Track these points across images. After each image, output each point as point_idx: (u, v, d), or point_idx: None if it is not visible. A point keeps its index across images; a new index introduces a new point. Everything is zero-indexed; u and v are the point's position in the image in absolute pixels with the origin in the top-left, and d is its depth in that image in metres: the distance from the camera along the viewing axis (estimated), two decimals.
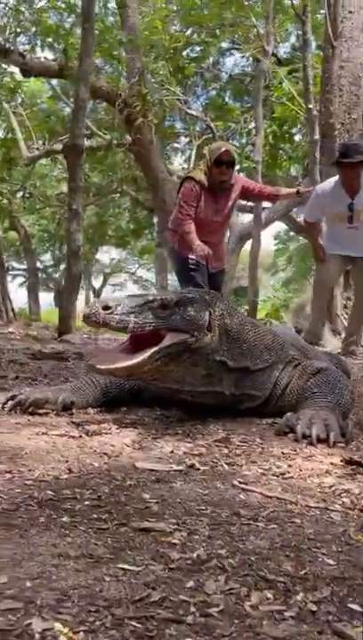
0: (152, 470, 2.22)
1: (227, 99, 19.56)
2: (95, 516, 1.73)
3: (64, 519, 1.69)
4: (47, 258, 31.21)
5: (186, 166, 19.57)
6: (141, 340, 2.93)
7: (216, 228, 6.28)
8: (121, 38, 12.65)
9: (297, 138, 15.68)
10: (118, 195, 21.16)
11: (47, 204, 20.88)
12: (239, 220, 16.12)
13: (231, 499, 1.95)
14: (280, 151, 16.58)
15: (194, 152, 16.36)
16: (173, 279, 27.66)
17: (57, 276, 30.24)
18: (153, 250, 24.45)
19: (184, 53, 17.10)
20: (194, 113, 15.41)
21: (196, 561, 1.46)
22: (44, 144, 17.14)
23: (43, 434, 2.65)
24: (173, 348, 2.87)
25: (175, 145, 20.18)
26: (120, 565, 1.41)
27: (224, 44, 18.72)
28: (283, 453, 2.53)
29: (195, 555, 1.48)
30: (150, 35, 14.83)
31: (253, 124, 16.71)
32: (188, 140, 19.50)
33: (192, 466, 2.30)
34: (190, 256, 6.12)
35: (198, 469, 2.27)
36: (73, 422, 2.87)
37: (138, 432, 2.79)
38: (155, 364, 2.84)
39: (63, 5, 14.73)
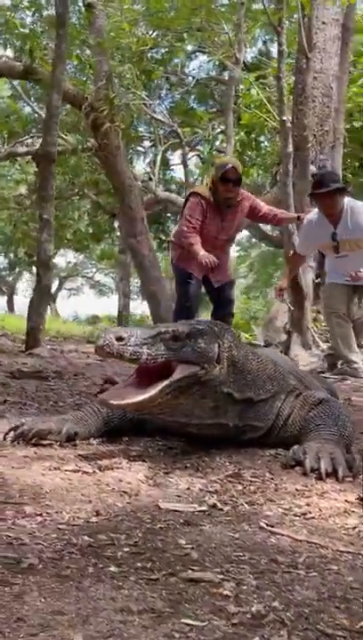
0: (176, 511, 2.29)
1: (191, 103, 19.73)
2: (140, 565, 1.80)
3: (111, 569, 1.75)
4: (1, 261, 30.99)
5: (149, 170, 19.68)
6: (149, 371, 3.00)
7: (220, 244, 6.36)
8: (88, 41, 12.67)
9: (265, 146, 15.84)
10: (78, 197, 21.14)
11: (5, 206, 20.75)
12: None
13: (263, 543, 2.04)
14: (247, 158, 16.77)
15: (159, 157, 16.45)
16: (135, 286, 27.68)
17: (10, 279, 30.01)
18: (114, 254, 24.47)
19: (149, 55, 17.20)
20: (160, 118, 15.47)
21: (255, 615, 1.54)
22: (3, 144, 17.06)
23: (55, 469, 2.70)
24: (183, 382, 2.95)
25: (138, 148, 20.25)
26: (184, 621, 1.49)
27: (189, 47, 18.89)
28: (297, 490, 2.63)
29: (253, 609, 1.56)
30: (116, 37, 14.87)
31: (219, 129, 16.92)
32: (151, 143, 19.63)
33: (214, 506, 2.38)
34: (189, 270, 6.19)
35: (221, 509, 2.35)
36: (81, 455, 2.92)
37: (148, 466, 2.86)
38: (165, 398, 2.91)
39: (27, 4, 14.69)
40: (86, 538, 1.96)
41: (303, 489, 2.65)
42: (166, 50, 17.73)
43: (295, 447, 3.04)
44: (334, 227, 6.59)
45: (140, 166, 20.90)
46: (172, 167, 22.02)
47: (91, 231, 22.92)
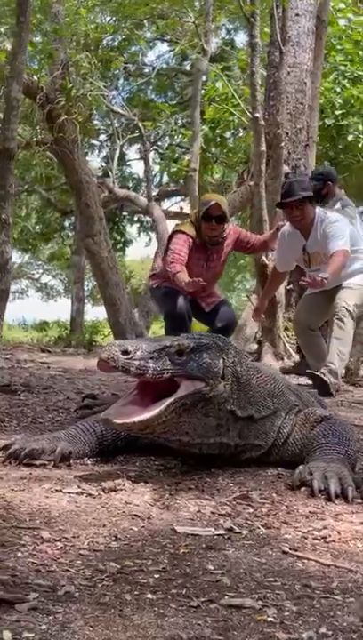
0: (195, 535, 2.38)
1: (150, 94, 19.85)
2: (175, 591, 1.88)
3: (148, 596, 1.83)
4: None
5: (103, 165, 19.72)
6: (150, 387, 3.09)
7: (206, 280, 6.20)
8: (45, 27, 12.69)
9: (231, 142, 16.01)
10: (26, 193, 21.08)
11: None
12: (169, 228, 16.31)
13: (291, 568, 2.14)
14: (210, 155, 16.93)
15: (118, 152, 16.52)
16: (88, 290, 27.63)
17: None
18: (64, 255, 24.42)
19: (105, 43, 17.29)
20: (120, 111, 15.55)
21: None
22: None
23: (57, 491, 2.76)
24: (188, 399, 3.04)
25: (92, 142, 20.27)
26: None
27: (149, 34, 19.00)
28: (310, 512, 2.74)
29: (304, 635, 1.66)
30: (73, 22, 14.91)
31: (181, 123, 17.04)
32: (106, 137, 19.68)
33: (231, 529, 2.48)
34: (176, 288, 6.12)
35: (239, 533, 2.45)
36: (80, 477, 2.99)
37: (152, 488, 2.94)
38: (170, 416, 3.00)
39: None
40: (113, 564, 2.03)
41: (316, 510, 2.76)
42: (124, 37, 17.83)
43: (301, 467, 3.15)
44: (305, 238, 6.59)
45: (94, 161, 20.89)
46: (128, 163, 22.13)
47: (39, 230, 22.84)
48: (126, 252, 25.48)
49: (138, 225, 23.72)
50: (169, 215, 18.11)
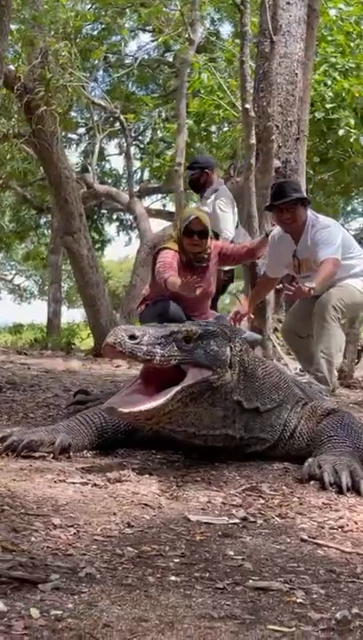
0: (209, 524, 2.41)
1: (131, 86, 19.89)
2: (198, 575, 1.91)
3: (172, 578, 1.86)
4: None
5: (81, 160, 19.72)
6: (155, 376, 3.12)
7: (194, 303, 5.98)
8: (23, 14, 12.68)
9: (216, 136, 16.07)
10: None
11: None
12: (152, 226, 16.38)
13: (312, 554, 2.18)
14: (194, 150, 16.96)
15: (98, 146, 16.53)
16: (64, 291, 27.58)
17: None
18: (40, 255, 24.37)
19: (84, 31, 17.30)
20: (101, 102, 15.57)
21: (340, 621, 1.66)
22: None
23: (60, 481, 2.78)
24: (195, 387, 3.08)
25: (70, 136, 20.27)
26: (271, 627, 1.60)
27: (130, 23, 19.05)
28: (324, 504, 2.77)
29: (337, 615, 1.68)
30: (51, 9, 14.90)
31: (164, 116, 17.09)
32: (85, 131, 19.68)
33: (245, 519, 2.51)
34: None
35: (254, 522, 2.49)
36: (83, 469, 3.01)
37: (157, 479, 2.96)
38: (176, 405, 3.03)
39: None
40: (130, 549, 2.06)
41: (329, 502, 2.80)
42: (104, 27, 17.86)
43: (310, 460, 3.18)
44: (295, 243, 6.39)
45: (72, 156, 20.88)
46: (107, 158, 22.15)
47: (13, 228, 22.79)
48: (104, 253, 25.45)
49: (117, 224, 23.75)
50: (151, 213, 18.14)
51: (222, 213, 8.26)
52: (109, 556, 1.99)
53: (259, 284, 7.51)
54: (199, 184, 8.26)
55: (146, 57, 19.14)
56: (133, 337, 2.97)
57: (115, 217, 23.13)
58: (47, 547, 2.01)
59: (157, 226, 17.01)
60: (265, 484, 3.06)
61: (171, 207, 21.43)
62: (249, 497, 2.84)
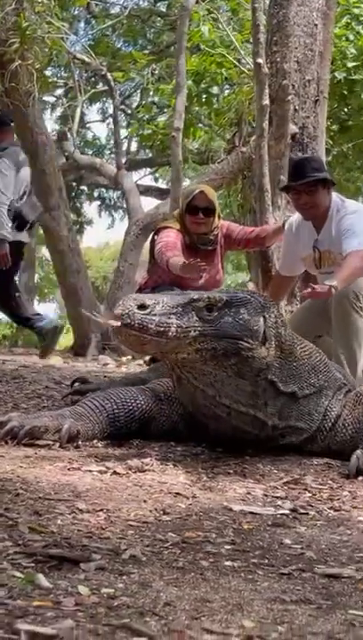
0: (255, 514, 2.44)
1: (117, 41, 19.88)
2: (256, 561, 1.93)
3: (228, 564, 1.88)
4: None
5: (60, 126, 19.69)
6: None
7: (204, 289, 5.74)
8: None
9: (218, 101, 16.07)
10: None
11: None
12: (143, 204, 16.37)
13: None
14: (192, 115, 16.95)
15: (79, 109, 16.51)
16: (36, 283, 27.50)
17: None
18: None
19: None
20: (85, 58, 15.57)
21: None
22: None
23: (75, 469, 2.80)
24: (221, 345, 3.12)
25: (44, 98, 20.22)
26: (352, 612, 1.63)
27: None
28: None
29: None
30: None
31: (158, 76, 17.08)
32: (64, 92, 19.67)
33: (295, 510, 2.54)
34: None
35: (306, 514, 2.52)
36: (98, 457, 3.03)
37: (184, 470, 2.99)
38: (192, 355, 3.10)
39: None
40: (172, 534, 2.08)
41: None
42: None
43: (359, 453, 3.23)
44: (317, 232, 6.00)
45: (47, 122, 20.81)
46: (88, 125, 22.13)
47: None
48: (83, 238, 25.40)
49: (99, 203, 23.71)
50: (139, 190, 18.11)
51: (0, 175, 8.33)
52: (150, 540, 2.01)
53: (272, 285, 6.98)
54: None
55: (135, 6, 19.12)
56: (143, 306, 2.98)
57: (97, 194, 23.10)
58: (78, 530, 2.02)
59: (146, 205, 16.97)
60: (308, 477, 3.08)
61: (163, 184, 21.46)
62: (293, 490, 2.87)
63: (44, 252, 26.32)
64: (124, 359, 11.15)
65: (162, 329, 3.03)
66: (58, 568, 1.71)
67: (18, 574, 1.63)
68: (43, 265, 29.45)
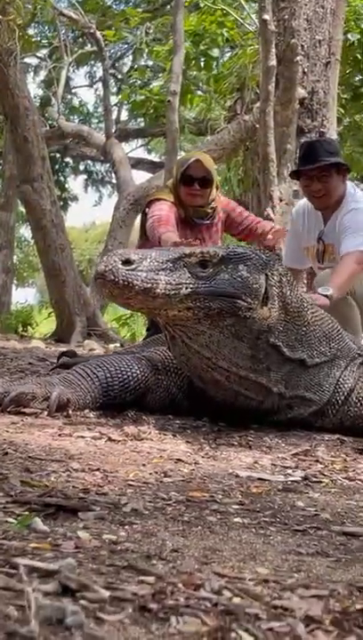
0: (263, 479, 2.47)
1: None
2: (267, 519, 1.96)
3: (237, 520, 1.91)
4: None
5: (43, 91, 19.68)
6: None
7: None
8: None
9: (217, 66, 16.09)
10: None
11: None
12: (134, 177, 16.38)
13: None
14: (189, 81, 16.96)
15: (65, 72, 16.51)
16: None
17: None
18: None
19: None
20: (72, 14, 15.56)
21: None
22: None
23: (67, 435, 2.83)
24: (216, 303, 3.17)
25: (27, 60, 20.20)
26: None
27: None
28: None
29: None
30: None
31: (153, 36, 17.06)
32: (48, 53, 19.65)
33: (306, 478, 2.57)
34: None
35: (319, 482, 2.55)
36: (90, 424, 3.06)
37: (185, 440, 3.02)
38: (183, 312, 3.15)
39: None
40: (175, 494, 2.10)
41: None
42: None
43: None
44: (324, 223, 5.89)
45: (30, 86, 20.79)
46: (74, 91, 22.13)
47: None
48: (66, 216, 25.39)
49: (85, 177, 23.73)
50: (130, 163, 18.13)
51: None
52: (152, 498, 2.03)
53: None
54: None
55: None
56: (128, 262, 3.01)
57: (82, 167, 23.11)
58: (73, 486, 2.05)
59: (138, 179, 16.99)
60: (320, 449, 3.12)
61: (156, 157, 21.47)
62: (303, 461, 2.90)
63: (24, 231, 26.35)
64: (111, 346, 11.19)
65: (149, 285, 3.05)
66: (54, 517, 1.73)
67: (11, 520, 1.65)
68: (22, 246, 29.42)
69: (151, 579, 1.37)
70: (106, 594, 1.26)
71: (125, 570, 1.41)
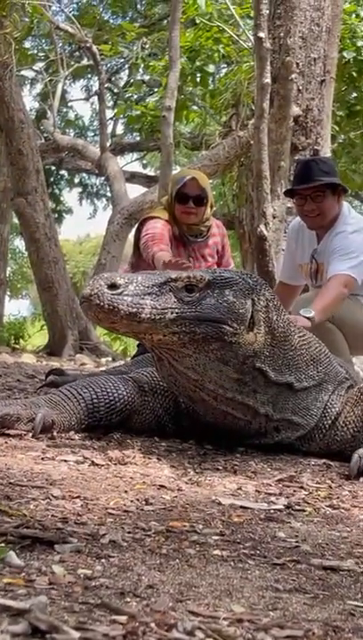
0: (246, 507, 2.45)
1: (104, 12, 19.91)
2: (247, 552, 1.95)
3: (216, 552, 1.90)
4: None
5: (39, 104, 19.70)
6: None
7: None
8: None
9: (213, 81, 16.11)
10: None
11: None
12: (128, 191, 16.40)
13: None
14: (184, 96, 16.98)
15: (61, 86, 16.53)
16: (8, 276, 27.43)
17: None
18: None
19: None
20: (69, 29, 15.59)
21: None
22: None
23: (49, 459, 2.81)
24: (201, 328, 3.16)
25: (22, 73, 20.23)
26: (351, 602, 1.65)
27: None
28: None
29: None
30: None
31: (148, 51, 17.10)
32: (44, 66, 19.68)
33: (290, 506, 2.55)
34: None
35: (302, 510, 2.53)
36: (74, 447, 3.04)
37: (169, 464, 3.00)
38: (169, 336, 3.14)
39: None
40: (155, 523, 2.09)
41: None
42: None
43: (361, 451, 3.24)
44: (317, 241, 5.80)
45: (25, 99, 20.81)
46: (70, 104, 22.15)
47: None
48: (60, 229, 25.40)
49: (80, 189, 23.73)
50: (124, 177, 18.14)
51: None
52: (132, 528, 2.02)
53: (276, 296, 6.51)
54: None
55: None
56: (113, 286, 3.00)
57: (77, 180, 23.12)
58: (52, 515, 2.03)
59: (132, 192, 17.01)
60: (305, 475, 3.11)
61: (151, 171, 21.48)
62: (288, 488, 2.88)
63: (19, 243, 26.34)
64: (103, 360, 11.18)
65: (134, 310, 3.04)
66: (30, 549, 1.72)
67: None
68: (16, 257, 29.41)
69: (124, 618, 1.35)
70: (76, 635, 1.24)
71: (98, 608, 1.40)
